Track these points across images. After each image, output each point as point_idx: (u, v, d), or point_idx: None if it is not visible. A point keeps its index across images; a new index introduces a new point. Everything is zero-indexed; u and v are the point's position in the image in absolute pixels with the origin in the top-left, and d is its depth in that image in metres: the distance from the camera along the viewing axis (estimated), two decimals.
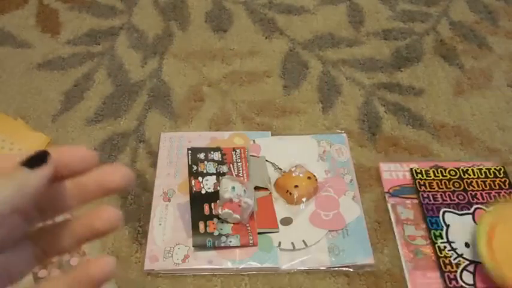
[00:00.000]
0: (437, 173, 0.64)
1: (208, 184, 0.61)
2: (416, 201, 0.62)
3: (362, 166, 0.66)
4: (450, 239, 0.58)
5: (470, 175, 0.64)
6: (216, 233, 0.57)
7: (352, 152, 0.67)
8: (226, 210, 0.56)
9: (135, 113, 0.72)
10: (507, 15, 0.90)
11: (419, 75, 0.79)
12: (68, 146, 0.24)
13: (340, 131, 0.70)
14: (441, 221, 0.59)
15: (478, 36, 0.86)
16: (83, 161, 0.24)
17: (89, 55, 0.81)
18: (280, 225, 0.59)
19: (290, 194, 0.60)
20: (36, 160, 0.22)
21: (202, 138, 0.68)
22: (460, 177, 0.63)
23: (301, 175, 0.62)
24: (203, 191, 0.60)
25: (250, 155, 0.65)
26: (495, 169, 0.64)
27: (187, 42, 0.84)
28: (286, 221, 0.59)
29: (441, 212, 0.60)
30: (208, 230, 0.57)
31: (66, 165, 0.24)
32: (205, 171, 0.62)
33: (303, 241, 0.57)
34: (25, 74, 0.78)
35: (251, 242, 0.56)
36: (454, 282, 0.54)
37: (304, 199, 0.61)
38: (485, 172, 0.64)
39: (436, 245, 0.57)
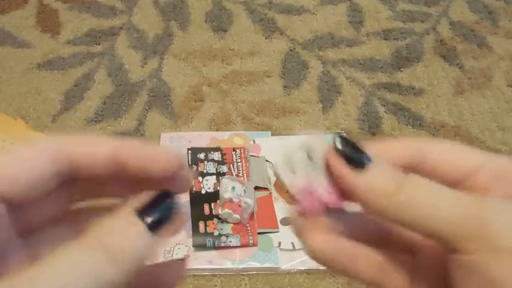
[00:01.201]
0: None
1: (208, 184, 0.61)
2: None
3: None
4: None
5: None
6: (216, 233, 0.57)
7: None
8: (226, 210, 0.56)
9: (135, 113, 0.72)
10: (507, 15, 0.90)
11: (419, 75, 0.79)
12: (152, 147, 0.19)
13: (340, 131, 0.70)
14: None
15: (478, 36, 0.86)
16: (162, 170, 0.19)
17: (89, 55, 0.81)
18: (280, 225, 0.59)
19: (290, 194, 0.60)
20: (161, 216, 0.17)
21: (202, 138, 0.68)
22: None
23: None
24: (203, 191, 0.60)
25: (250, 155, 0.65)
26: None
27: (187, 42, 0.84)
28: (286, 221, 0.59)
29: None
30: (208, 230, 0.57)
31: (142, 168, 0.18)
32: (205, 171, 0.62)
33: None
34: (25, 74, 0.78)
35: (251, 242, 0.56)
36: None
37: None
38: None
39: None
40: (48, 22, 0.87)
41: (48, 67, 0.79)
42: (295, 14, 0.89)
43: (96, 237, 0.16)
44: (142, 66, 0.80)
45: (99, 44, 0.83)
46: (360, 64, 0.80)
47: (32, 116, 0.72)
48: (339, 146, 0.20)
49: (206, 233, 0.57)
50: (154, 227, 0.17)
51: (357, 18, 0.89)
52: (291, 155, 0.23)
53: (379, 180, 0.19)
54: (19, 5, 0.91)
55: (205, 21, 0.88)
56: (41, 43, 0.83)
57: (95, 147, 0.18)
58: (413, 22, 0.88)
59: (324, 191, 0.21)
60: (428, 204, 0.18)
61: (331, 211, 0.21)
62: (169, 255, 0.56)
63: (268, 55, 0.82)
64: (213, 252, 0.56)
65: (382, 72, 0.79)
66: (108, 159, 0.18)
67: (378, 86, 0.77)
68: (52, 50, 0.82)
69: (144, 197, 0.18)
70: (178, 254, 0.56)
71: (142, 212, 0.17)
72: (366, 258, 0.21)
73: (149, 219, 0.17)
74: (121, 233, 0.17)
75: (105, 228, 0.17)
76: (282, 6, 0.91)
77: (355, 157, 0.20)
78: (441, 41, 0.85)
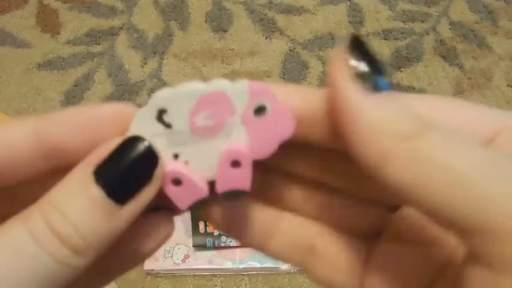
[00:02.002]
0: None
1: None
2: None
3: None
4: None
5: None
6: (216, 233, 0.57)
7: None
8: None
9: None
10: (507, 15, 0.90)
11: (419, 75, 0.79)
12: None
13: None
14: None
15: (478, 36, 0.86)
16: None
17: (89, 55, 0.81)
18: None
19: None
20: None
21: None
22: None
23: None
24: None
25: None
26: None
27: (187, 42, 0.84)
28: None
29: None
30: (208, 230, 0.57)
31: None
32: None
33: None
34: (25, 74, 0.78)
35: None
36: None
37: None
38: None
39: None
40: (48, 22, 0.87)
41: (48, 67, 0.79)
42: (295, 14, 0.89)
43: (40, 212, 0.12)
44: (142, 66, 0.80)
45: (99, 44, 0.83)
46: None
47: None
48: (353, 50, 0.12)
49: (206, 233, 0.57)
50: (119, 192, 0.12)
51: (357, 18, 0.89)
52: (141, 124, 0.13)
53: (394, 115, 0.12)
54: (19, 5, 0.91)
55: (205, 21, 0.88)
56: (41, 43, 0.83)
57: (8, 148, 0.13)
58: (413, 22, 0.88)
59: (204, 173, 0.14)
60: (465, 170, 0.11)
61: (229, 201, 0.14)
62: (169, 255, 0.56)
63: (268, 55, 0.82)
64: (213, 252, 0.56)
65: None
66: (30, 156, 0.13)
67: None
68: (52, 50, 0.82)
69: (104, 149, 0.12)
70: (178, 254, 0.56)
71: (101, 171, 0.12)
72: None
73: (111, 181, 0.12)
74: (72, 203, 0.12)
75: (51, 198, 0.12)
76: (282, 6, 0.91)
77: (372, 74, 0.12)
78: (441, 41, 0.85)
